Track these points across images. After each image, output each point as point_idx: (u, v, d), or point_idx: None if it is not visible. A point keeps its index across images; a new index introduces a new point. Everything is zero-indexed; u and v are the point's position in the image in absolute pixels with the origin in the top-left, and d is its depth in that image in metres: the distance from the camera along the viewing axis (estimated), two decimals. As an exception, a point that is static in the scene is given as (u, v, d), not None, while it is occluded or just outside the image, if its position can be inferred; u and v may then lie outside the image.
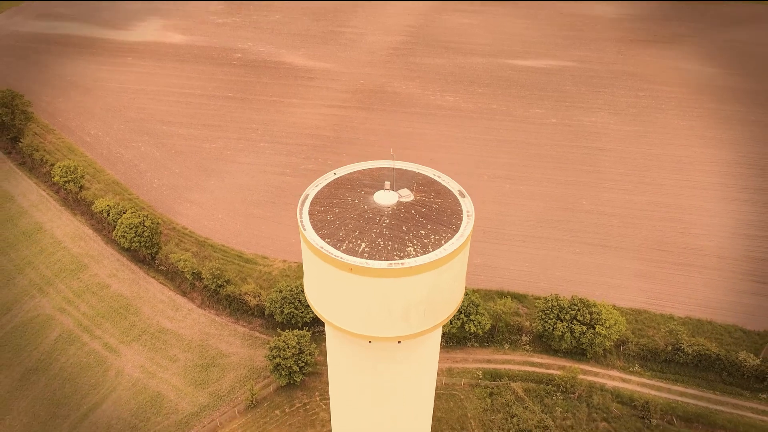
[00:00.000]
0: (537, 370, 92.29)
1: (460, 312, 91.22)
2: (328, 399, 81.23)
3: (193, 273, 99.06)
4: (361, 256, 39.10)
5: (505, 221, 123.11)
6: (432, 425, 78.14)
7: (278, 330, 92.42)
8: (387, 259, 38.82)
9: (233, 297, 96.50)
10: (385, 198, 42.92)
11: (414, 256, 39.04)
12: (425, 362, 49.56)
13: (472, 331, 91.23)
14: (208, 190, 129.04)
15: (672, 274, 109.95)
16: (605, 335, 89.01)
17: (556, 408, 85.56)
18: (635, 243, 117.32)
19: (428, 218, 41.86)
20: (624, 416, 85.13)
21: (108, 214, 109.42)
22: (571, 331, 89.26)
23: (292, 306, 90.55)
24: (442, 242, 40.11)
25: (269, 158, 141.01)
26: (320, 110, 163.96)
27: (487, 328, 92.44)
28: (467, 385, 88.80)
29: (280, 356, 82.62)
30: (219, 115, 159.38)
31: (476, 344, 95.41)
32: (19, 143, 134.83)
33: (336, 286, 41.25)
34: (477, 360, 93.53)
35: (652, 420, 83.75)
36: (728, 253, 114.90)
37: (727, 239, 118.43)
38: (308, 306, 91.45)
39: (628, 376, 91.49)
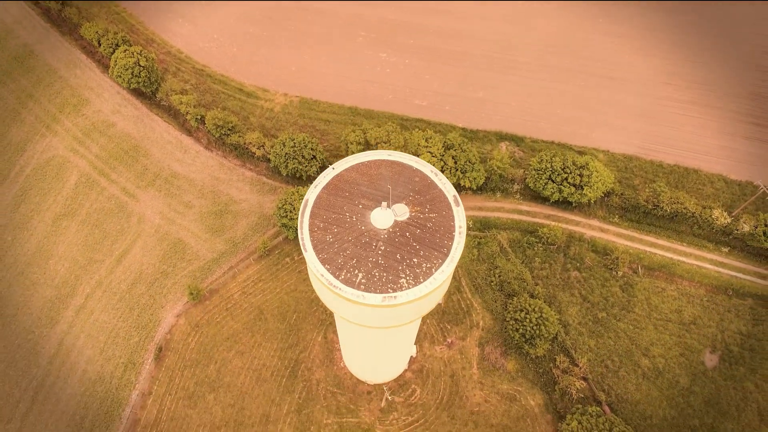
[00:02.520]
0: (524, 218, 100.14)
1: (456, 169, 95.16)
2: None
3: (196, 119, 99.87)
4: (358, 287, 43.31)
5: (513, 45, 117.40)
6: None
7: (285, 178, 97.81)
8: (381, 292, 43.17)
9: (238, 145, 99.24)
10: (382, 219, 44.84)
11: (407, 288, 43.29)
12: (411, 327, 57.12)
13: (466, 186, 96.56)
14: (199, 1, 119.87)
15: (673, 113, 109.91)
16: (592, 195, 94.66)
17: (536, 258, 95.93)
18: (643, 74, 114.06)
19: (421, 242, 44.56)
20: (594, 266, 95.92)
21: (99, 44, 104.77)
22: (560, 191, 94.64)
23: (296, 161, 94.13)
24: (433, 270, 43.80)
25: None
26: None
27: (481, 183, 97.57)
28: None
29: (287, 217, 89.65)
30: None
31: (470, 191, 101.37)
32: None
33: (336, 299, 46.03)
34: (469, 207, 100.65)
35: (618, 271, 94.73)
36: (735, 89, 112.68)
37: (739, 71, 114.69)
38: (312, 159, 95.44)
39: (606, 226, 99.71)
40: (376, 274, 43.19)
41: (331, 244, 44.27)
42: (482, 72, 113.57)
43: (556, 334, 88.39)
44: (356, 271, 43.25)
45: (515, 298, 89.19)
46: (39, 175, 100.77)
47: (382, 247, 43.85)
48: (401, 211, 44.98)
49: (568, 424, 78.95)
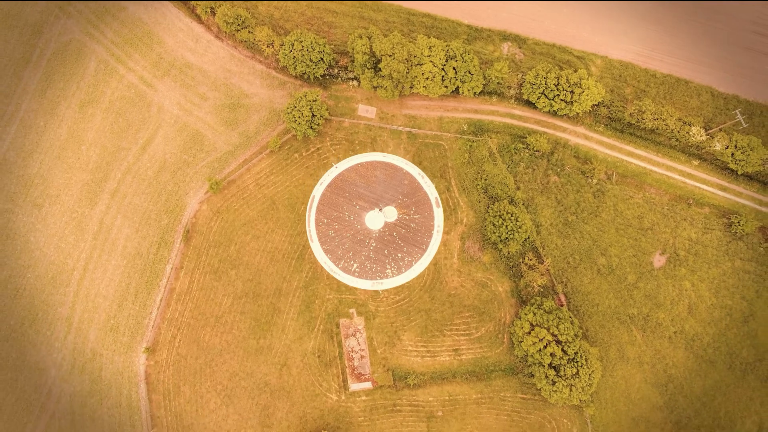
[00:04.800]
0: (516, 122, 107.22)
1: (456, 79, 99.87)
2: (337, 144, 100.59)
3: (206, 11, 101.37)
4: (353, 274, 55.34)
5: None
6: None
7: (294, 76, 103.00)
8: (371, 278, 55.36)
9: (248, 41, 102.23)
10: (374, 221, 54.93)
11: (391, 277, 55.35)
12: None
13: (464, 93, 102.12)
14: None
15: (678, 17, 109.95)
16: (580, 110, 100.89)
17: (521, 163, 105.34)
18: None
19: (405, 240, 55.37)
20: (573, 173, 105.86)
21: None
22: (551, 106, 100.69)
23: (304, 64, 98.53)
24: (413, 263, 55.42)
25: None
26: None
27: (479, 91, 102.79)
28: (453, 138, 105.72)
29: (295, 121, 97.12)
30: None
31: (469, 93, 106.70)
32: None
33: (336, 270, 58.10)
34: (466, 110, 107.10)
35: (593, 179, 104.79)
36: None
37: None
38: (319, 62, 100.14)
39: (591, 134, 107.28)
40: (368, 264, 55.04)
41: (333, 238, 55.37)
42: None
43: (528, 236, 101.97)
44: (352, 262, 55.07)
45: (496, 203, 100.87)
46: (59, 60, 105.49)
47: (373, 244, 55.02)
48: (391, 214, 55.15)
49: (525, 314, 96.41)
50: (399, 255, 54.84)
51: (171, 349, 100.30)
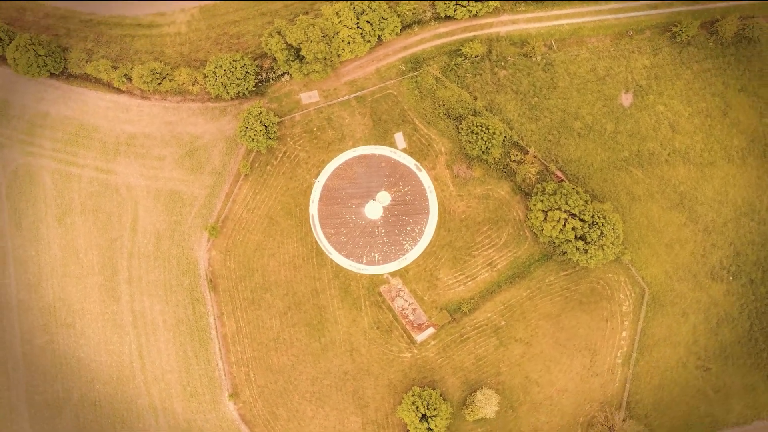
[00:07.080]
0: (446, 40, 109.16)
1: (374, 30, 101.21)
2: (299, 139, 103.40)
3: (121, 80, 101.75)
4: (378, 264, 59.75)
5: None
6: (380, 126, 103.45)
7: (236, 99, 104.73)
8: (395, 259, 59.79)
9: (173, 89, 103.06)
10: (373, 212, 58.75)
11: (411, 249, 59.77)
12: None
13: (387, 39, 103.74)
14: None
15: None
16: (497, 3, 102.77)
17: (467, 75, 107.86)
18: None
19: (408, 213, 59.49)
20: (517, 61, 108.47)
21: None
22: (470, 11, 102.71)
23: (234, 86, 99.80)
24: (424, 228, 59.66)
25: None
26: None
27: (399, 30, 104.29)
28: (396, 82, 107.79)
29: (253, 140, 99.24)
30: None
31: (391, 36, 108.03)
32: None
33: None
34: (396, 50, 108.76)
35: (537, 56, 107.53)
36: None
37: None
38: (246, 76, 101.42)
39: (516, 16, 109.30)
40: (386, 249, 59.49)
41: (346, 242, 59.54)
42: None
43: (504, 136, 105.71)
44: (373, 254, 59.46)
45: (463, 122, 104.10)
46: (17, 190, 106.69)
47: (383, 230, 59.24)
48: (384, 199, 59.02)
49: (534, 205, 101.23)
50: (408, 228, 59.28)
51: (250, 385, 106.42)
